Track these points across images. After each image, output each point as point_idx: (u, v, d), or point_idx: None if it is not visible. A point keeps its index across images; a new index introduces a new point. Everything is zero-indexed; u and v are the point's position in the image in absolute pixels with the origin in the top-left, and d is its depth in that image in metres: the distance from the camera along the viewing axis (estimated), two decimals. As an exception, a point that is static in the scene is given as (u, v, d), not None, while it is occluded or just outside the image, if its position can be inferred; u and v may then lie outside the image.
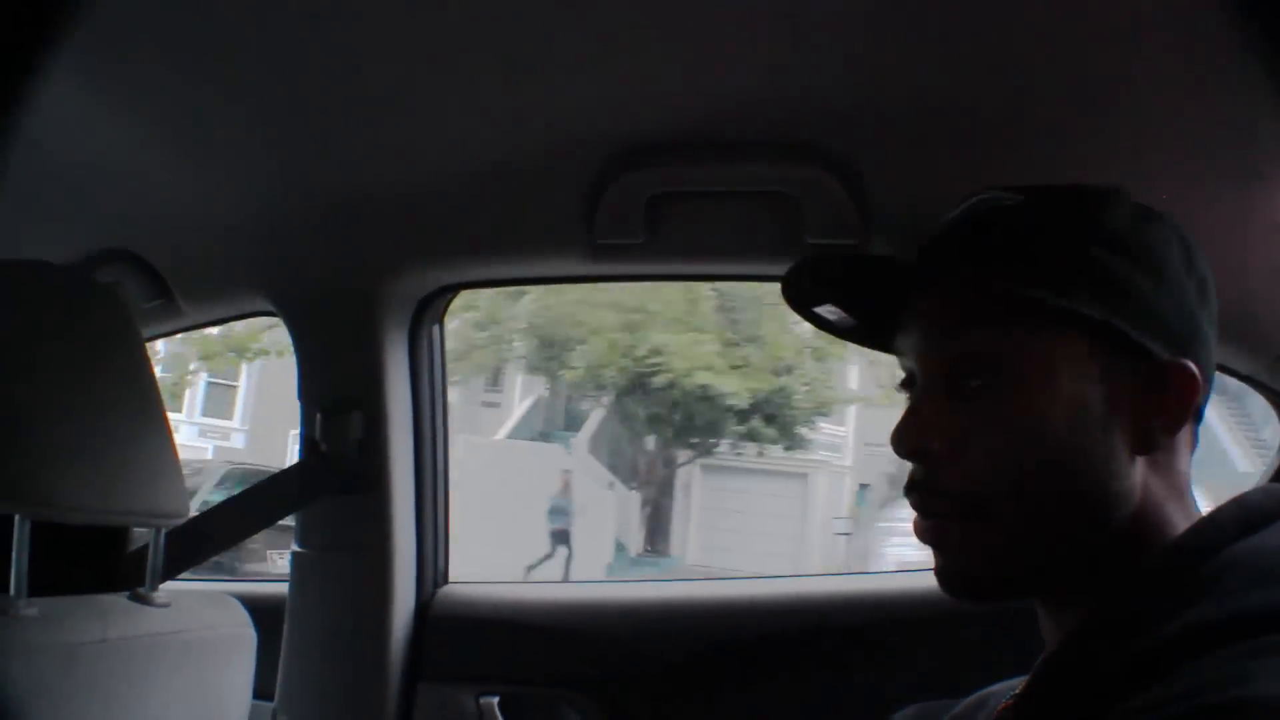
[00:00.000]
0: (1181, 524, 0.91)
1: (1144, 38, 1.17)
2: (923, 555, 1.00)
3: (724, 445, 12.96)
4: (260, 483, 1.88)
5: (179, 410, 17.68)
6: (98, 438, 1.25)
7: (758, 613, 1.90)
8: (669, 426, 12.61)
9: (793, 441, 12.54)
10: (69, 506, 1.21)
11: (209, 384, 17.46)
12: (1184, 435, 0.96)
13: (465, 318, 11.57)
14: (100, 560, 1.40)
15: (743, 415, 12.12)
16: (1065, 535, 0.91)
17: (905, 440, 0.96)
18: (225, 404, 18.84)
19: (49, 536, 1.21)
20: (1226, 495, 0.91)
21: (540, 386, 14.73)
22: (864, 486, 14.22)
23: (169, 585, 1.41)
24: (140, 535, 1.51)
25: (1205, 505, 0.94)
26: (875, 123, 1.40)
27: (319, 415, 1.85)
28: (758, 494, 13.38)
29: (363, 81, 1.40)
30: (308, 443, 1.87)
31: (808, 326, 1.14)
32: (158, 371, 1.41)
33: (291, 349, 1.90)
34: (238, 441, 18.74)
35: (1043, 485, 0.90)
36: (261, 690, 1.60)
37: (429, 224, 1.70)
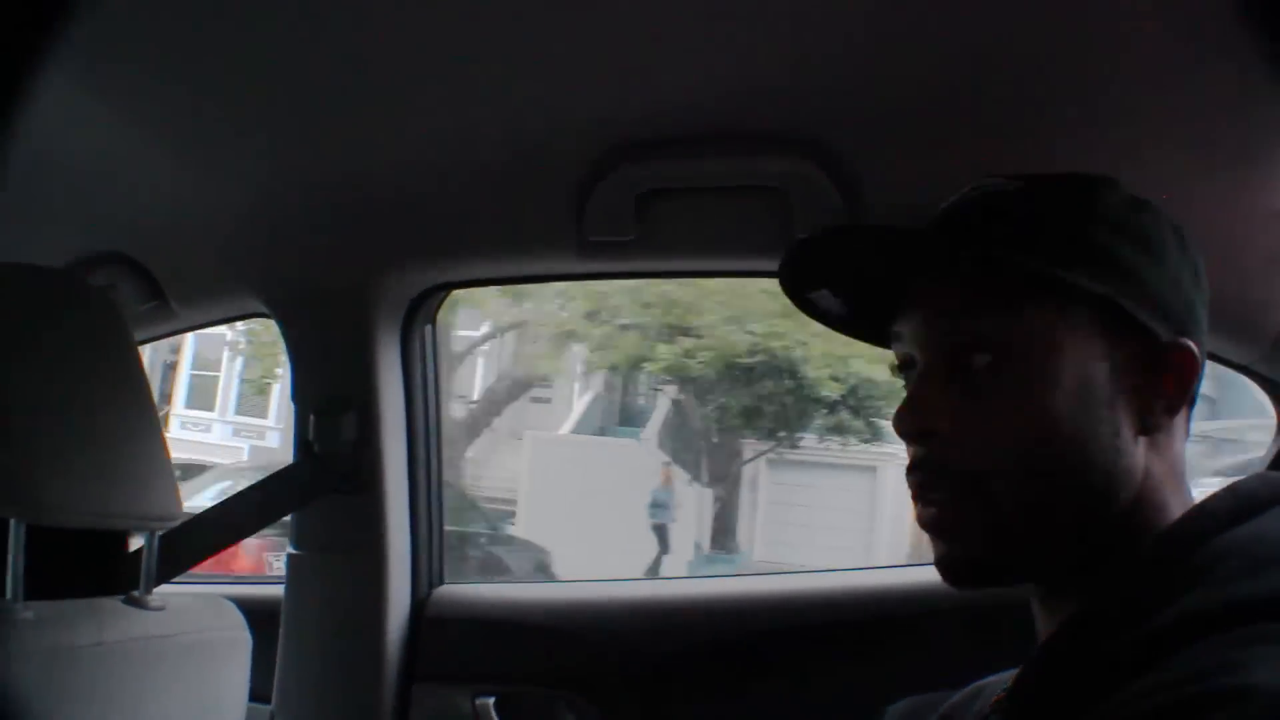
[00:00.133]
0: (1178, 509, 0.92)
1: (1138, 28, 1.17)
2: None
3: (807, 438, 12.79)
4: (254, 485, 1.87)
5: (211, 409, 17.65)
6: (91, 441, 1.25)
7: (754, 611, 1.90)
8: (761, 419, 12.41)
9: (874, 434, 12.43)
10: (63, 510, 1.21)
11: (243, 382, 17.31)
12: (1181, 418, 0.96)
13: (572, 306, 11.41)
14: (96, 564, 1.39)
15: (833, 407, 11.96)
16: (1070, 515, 0.91)
17: (911, 422, 0.96)
18: (260, 402, 18.42)
19: (45, 540, 1.21)
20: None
21: (598, 381, 14.57)
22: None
23: (164, 588, 1.41)
24: (137, 538, 1.51)
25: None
26: (864, 116, 1.40)
27: (312, 416, 1.85)
28: (825, 488, 13.19)
29: (353, 82, 1.40)
30: (301, 444, 1.86)
31: None
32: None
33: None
34: (273, 440, 18.34)
35: (1050, 463, 0.91)
36: (258, 692, 1.60)
37: (419, 223, 1.70)
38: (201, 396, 17.95)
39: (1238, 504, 0.88)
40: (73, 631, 1.21)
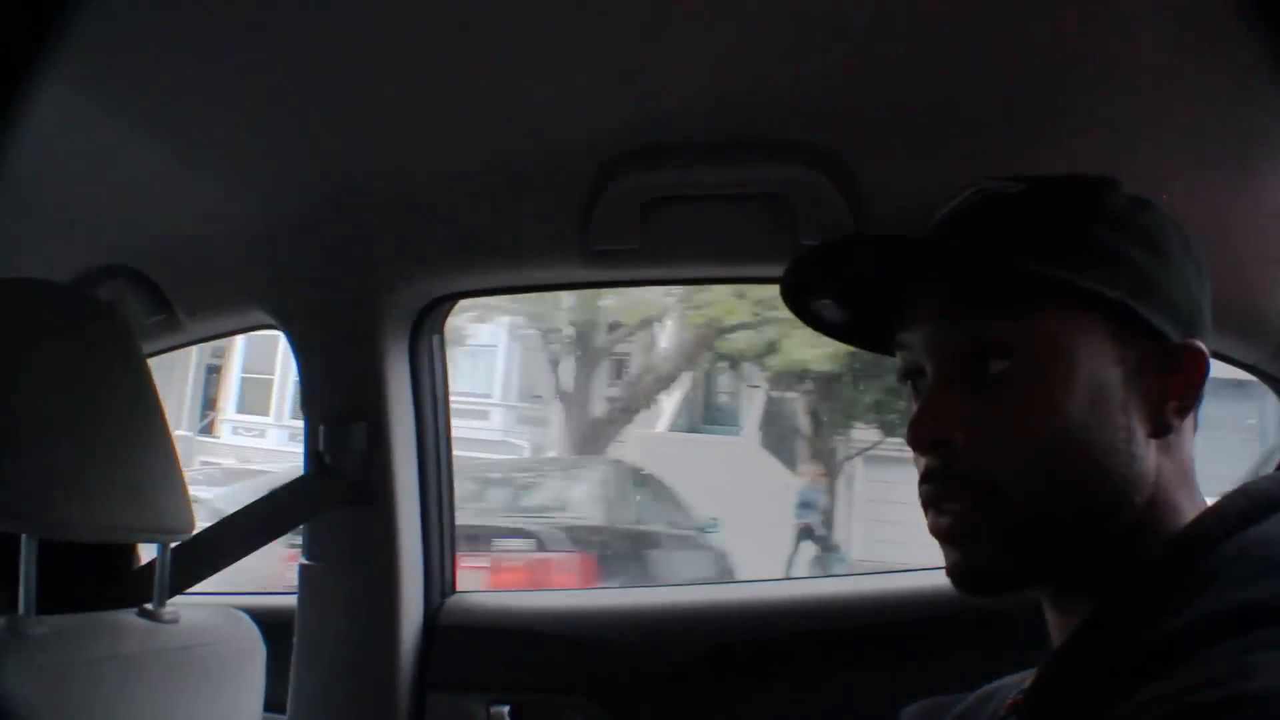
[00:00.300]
0: (1190, 511, 0.91)
1: (1138, 31, 1.17)
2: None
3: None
4: (266, 496, 1.88)
5: (266, 413, 16.99)
6: (101, 455, 1.25)
7: (765, 616, 1.90)
8: (890, 412, 12.34)
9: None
10: (74, 524, 1.22)
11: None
12: (1190, 420, 0.96)
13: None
14: (108, 577, 1.40)
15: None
16: (1086, 520, 0.91)
17: (926, 432, 0.95)
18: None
19: (56, 554, 1.21)
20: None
21: (686, 380, 14.50)
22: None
23: (177, 600, 1.41)
24: (148, 551, 1.51)
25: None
26: (867, 122, 1.40)
27: (322, 428, 1.85)
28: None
29: (359, 94, 1.41)
30: (312, 455, 1.87)
31: None
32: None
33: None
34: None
35: (1067, 469, 0.90)
36: (273, 703, 1.60)
37: (426, 234, 1.71)
38: (255, 400, 17.35)
39: (1250, 505, 0.87)
40: (86, 645, 1.21)
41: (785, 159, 1.47)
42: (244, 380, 17.04)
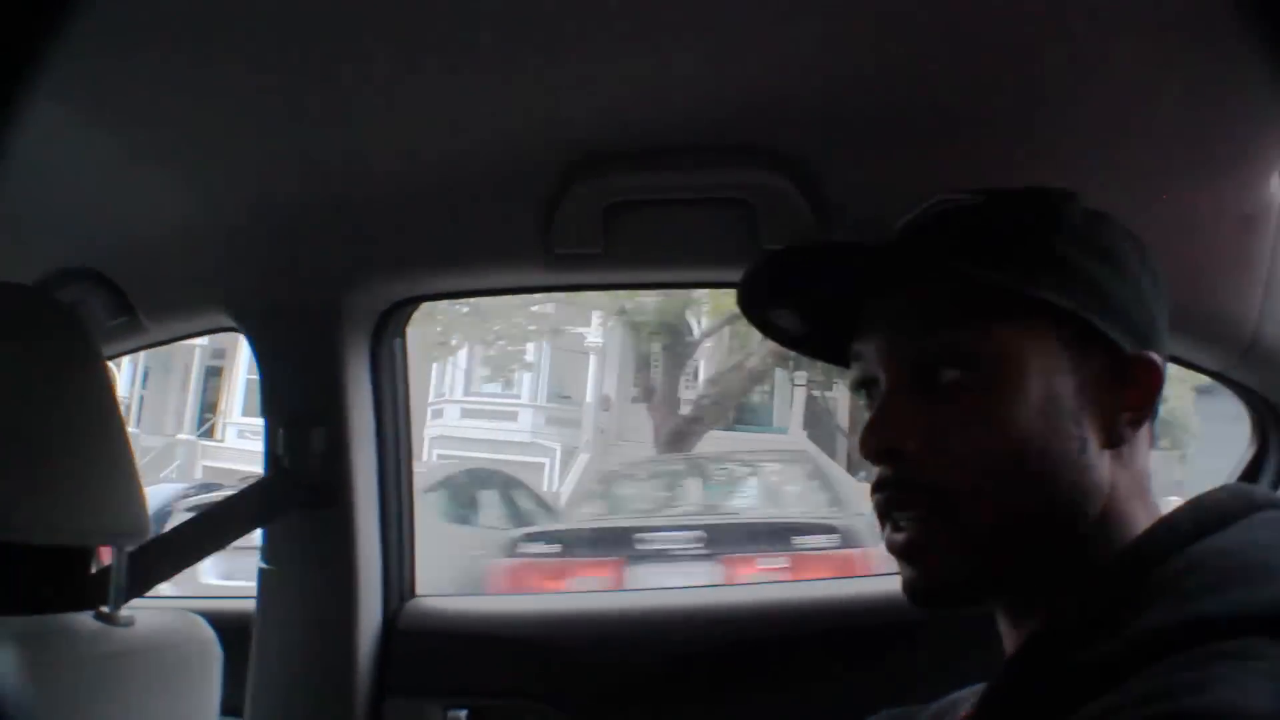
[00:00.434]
0: (1144, 523, 0.92)
1: (1104, 35, 1.18)
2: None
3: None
4: (223, 499, 1.87)
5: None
6: (56, 457, 1.24)
7: (725, 622, 1.90)
8: None
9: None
10: (26, 526, 1.21)
11: None
12: (1145, 431, 0.97)
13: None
14: (65, 580, 1.39)
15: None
16: (1039, 532, 0.91)
17: (877, 441, 0.95)
18: None
19: (12, 557, 1.21)
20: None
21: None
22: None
23: (135, 604, 1.40)
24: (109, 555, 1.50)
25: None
26: (830, 127, 1.40)
27: (282, 431, 1.84)
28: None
29: (319, 99, 1.40)
30: (271, 458, 1.86)
31: None
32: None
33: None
34: None
35: (1019, 479, 0.90)
36: (231, 708, 1.59)
37: (387, 237, 1.70)
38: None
39: (1203, 517, 0.88)
40: (41, 648, 1.20)
41: (750, 164, 1.47)
42: (250, 382, 16.43)
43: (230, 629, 1.51)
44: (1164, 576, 0.83)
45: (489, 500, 10.37)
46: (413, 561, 1.99)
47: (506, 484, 10.85)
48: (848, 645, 1.81)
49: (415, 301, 1.90)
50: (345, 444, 1.83)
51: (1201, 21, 1.09)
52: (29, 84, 0.85)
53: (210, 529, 1.82)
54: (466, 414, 16.70)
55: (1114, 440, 0.93)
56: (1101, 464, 0.92)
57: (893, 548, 0.96)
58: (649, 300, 11.96)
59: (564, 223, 1.55)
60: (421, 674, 1.90)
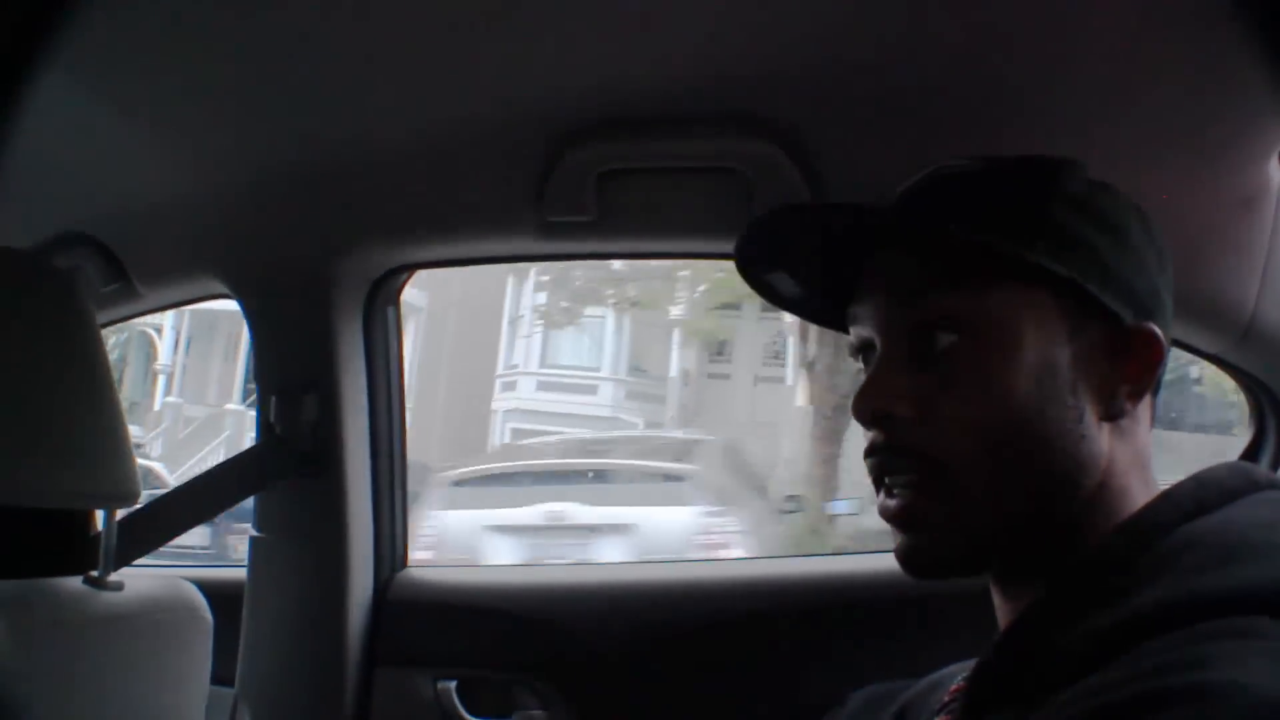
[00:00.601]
0: (1142, 498, 0.91)
1: (1107, 16, 1.17)
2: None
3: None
4: (216, 467, 1.87)
5: None
6: (47, 420, 1.24)
7: (716, 595, 1.91)
8: None
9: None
10: (15, 489, 1.20)
11: None
12: (1145, 405, 0.96)
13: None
14: (56, 544, 1.38)
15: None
16: (1033, 502, 0.90)
17: (870, 404, 0.94)
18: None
19: (5, 519, 1.20)
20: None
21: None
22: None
23: (126, 570, 1.40)
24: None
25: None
26: (826, 98, 1.40)
27: (274, 398, 1.84)
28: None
29: (313, 64, 1.40)
30: (263, 426, 1.86)
31: None
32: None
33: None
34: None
35: (1013, 446, 0.90)
36: (222, 676, 1.59)
37: (380, 203, 1.70)
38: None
39: (1204, 493, 0.87)
40: (30, 611, 1.20)
41: (743, 133, 1.46)
42: None
43: (222, 597, 1.52)
44: (1164, 552, 0.83)
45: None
46: (405, 531, 1.99)
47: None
48: (839, 620, 1.81)
49: (409, 269, 1.89)
50: (338, 412, 1.83)
51: (1201, 2, 1.09)
52: (33, 59, 0.85)
53: (202, 496, 1.82)
54: (542, 386, 16.15)
55: (1112, 413, 0.92)
56: (1100, 436, 0.92)
57: (885, 514, 0.95)
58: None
59: (557, 190, 1.54)
60: (412, 644, 1.90)
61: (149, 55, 1.38)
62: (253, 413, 1.92)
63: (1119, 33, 1.20)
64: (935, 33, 1.25)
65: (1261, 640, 0.71)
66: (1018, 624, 0.89)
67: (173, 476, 11.07)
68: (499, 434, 15.47)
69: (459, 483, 8.29)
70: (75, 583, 1.32)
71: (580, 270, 13.15)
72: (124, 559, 1.41)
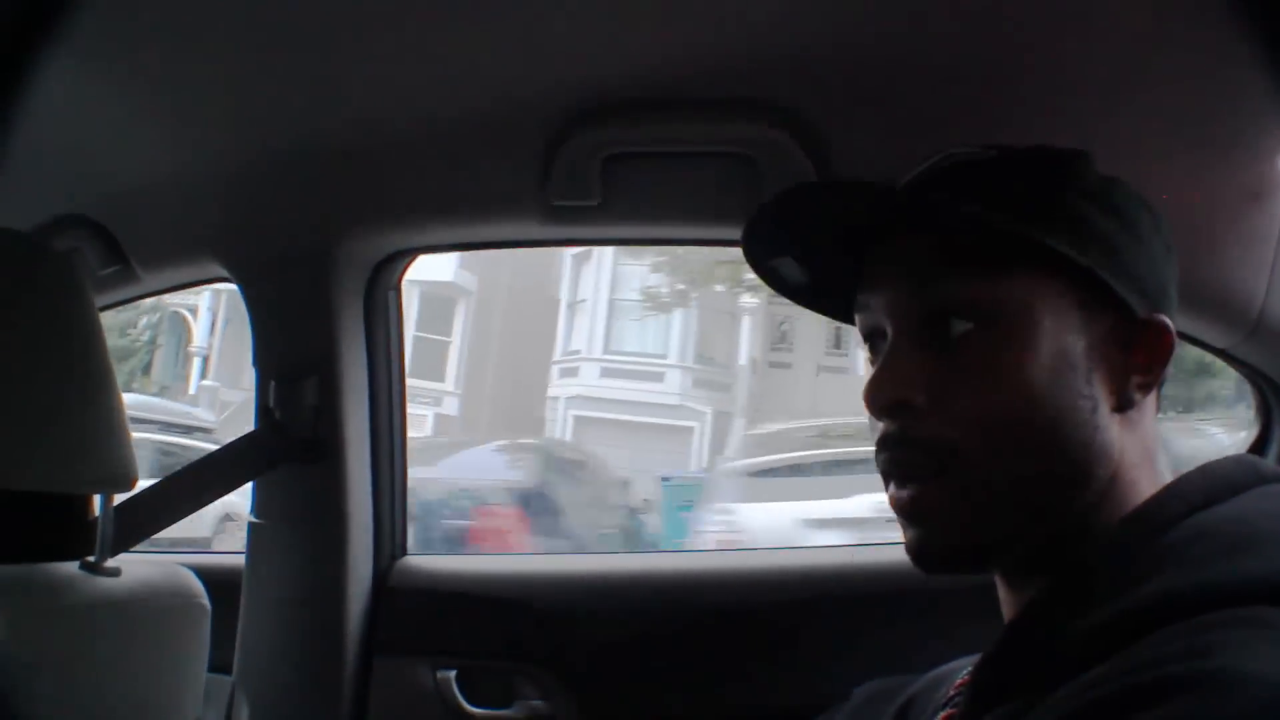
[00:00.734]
0: (1149, 490, 0.90)
1: (1118, 6, 1.16)
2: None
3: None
4: (215, 452, 1.85)
5: (441, 379, 15.86)
6: (42, 404, 1.23)
7: (716, 586, 1.90)
8: None
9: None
10: (10, 471, 1.20)
11: (416, 339, 14.94)
12: (1152, 397, 0.95)
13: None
14: (53, 529, 1.38)
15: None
16: (1048, 493, 0.90)
17: (884, 393, 0.93)
18: (435, 363, 16.62)
19: (3, 504, 1.20)
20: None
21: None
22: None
23: (123, 556, 1.39)
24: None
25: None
26: (835, 82, 1.38)
27: (273, 382, 1.83)
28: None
29: (315, 45, 1.39)
30: (262, 411, 1.85)
31: None
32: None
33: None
34: (450, 408, 16.69)
35: (1029, 437, 0.88)
36: (220, 664, 1.59)
37: (382, 186, 1.69)
38: (428, 365, 16.20)
39: (1211, 485, 0.87)
40: (27, 596, 1.20)
41: (751, 117, 1.44)
42: (416, 340, 15.40)
43: (221, 584, 1.51)
44: (1171, 543, 0.82)
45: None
46: (404, 519, 1.98)
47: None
48: (846, 612, 1.80)
49: (411, 253, 1.88)
50: (338, 397, 1.82)
51: None
52: (33, 42, 0.84)
53: (201, 482, 1.81)
54: (607, 373, 15.96)
55: (1123, 404, 0.92)
56: (1111, 427, 0.91)
57: (896, 506, 0.94)
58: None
59: (562, 174, 1.53)
60: (411, 633, 1.90)
61: (148, 36, 1.37)
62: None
63: (1127, 26, 1.20)
64: (950, 22, 1.24)
65: (1268, 629, 0.71)
66: (1023, 617, 0.88)
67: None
68: (561, 422, 15.34)
69: (757, 473, 7.88)
70: (72, 568, 1.31)
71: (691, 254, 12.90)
72: (121, 545, 1.41)
